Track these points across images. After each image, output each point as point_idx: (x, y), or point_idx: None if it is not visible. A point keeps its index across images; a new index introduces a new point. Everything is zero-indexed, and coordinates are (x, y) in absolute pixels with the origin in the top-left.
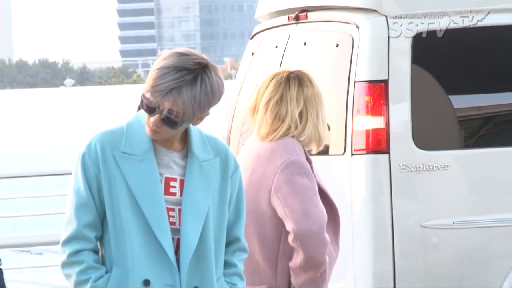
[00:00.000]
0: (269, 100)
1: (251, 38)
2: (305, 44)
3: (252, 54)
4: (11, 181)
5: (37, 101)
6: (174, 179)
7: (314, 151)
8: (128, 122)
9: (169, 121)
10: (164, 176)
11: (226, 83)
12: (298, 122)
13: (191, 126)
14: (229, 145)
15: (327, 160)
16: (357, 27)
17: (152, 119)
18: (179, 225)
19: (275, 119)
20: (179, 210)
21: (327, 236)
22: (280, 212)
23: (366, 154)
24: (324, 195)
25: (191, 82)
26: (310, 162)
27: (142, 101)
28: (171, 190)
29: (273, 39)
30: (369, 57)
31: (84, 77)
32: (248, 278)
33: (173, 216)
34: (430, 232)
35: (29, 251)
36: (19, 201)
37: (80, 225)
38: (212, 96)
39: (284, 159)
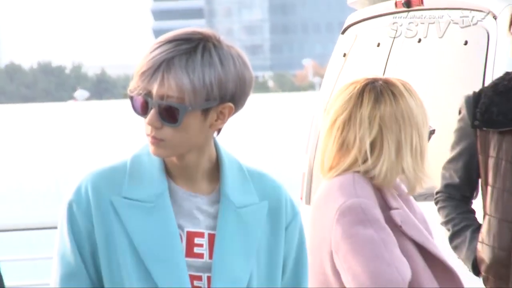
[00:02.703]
0: (335, 121)
1: (343, 33)
2: (419, 41)
3: (344, 55)
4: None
5: (36, 120)
6: (200, 234)
7: (410, 193)
8: (133, 155)
9: (166, 112)
10: (186, 230)
11: (308, 95)
12: (369, 154)
13: (224, 157)
14: (311, 185)
15: None
16: (494, 17)
17: (148, 119)
18: None
19: (342, 147)
20: (208, 278)
21: None
22: (344, 280)
23: None
24: (426, 252)
25: (187, 51)
26: (390, 206)
27: (130, 101)
28: (196, 250)
29: (374, 34)
30: None
31: (103, 87)
32: None
33: (200, 287)
34: None
35: None
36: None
37: None
38: (223, 70)
39: (339, 205)
